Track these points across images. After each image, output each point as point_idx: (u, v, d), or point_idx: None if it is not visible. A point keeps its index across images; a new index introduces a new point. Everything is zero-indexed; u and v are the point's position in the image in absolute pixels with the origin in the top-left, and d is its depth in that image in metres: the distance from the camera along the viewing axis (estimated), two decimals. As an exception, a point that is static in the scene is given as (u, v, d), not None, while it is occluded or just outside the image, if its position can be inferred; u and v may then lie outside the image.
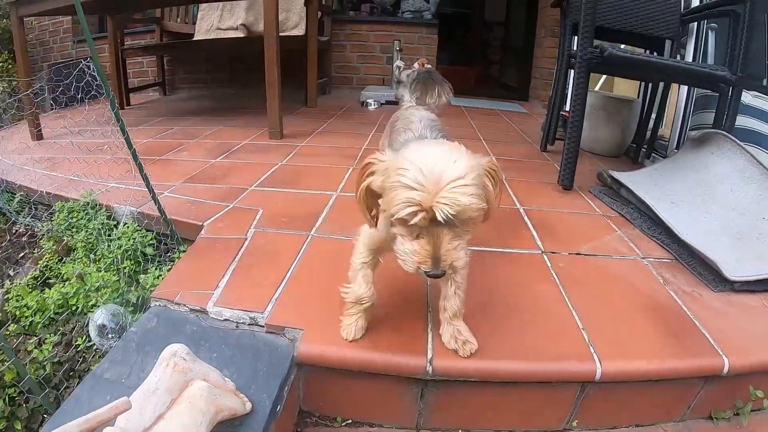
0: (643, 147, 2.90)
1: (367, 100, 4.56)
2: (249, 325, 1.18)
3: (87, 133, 3.35)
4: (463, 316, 1.13)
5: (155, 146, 2.86)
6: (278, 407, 1.00)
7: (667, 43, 2.70)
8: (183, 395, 0.85)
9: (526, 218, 1.87)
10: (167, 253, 1.82)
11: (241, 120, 3.67)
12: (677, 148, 2.63)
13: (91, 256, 1.88)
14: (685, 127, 2.69)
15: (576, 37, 2.29)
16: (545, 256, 1.58)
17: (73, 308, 1.70)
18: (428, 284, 1.35)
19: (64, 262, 1.99)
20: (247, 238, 1.58)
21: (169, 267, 1.69)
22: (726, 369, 1.15)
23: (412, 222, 0.82)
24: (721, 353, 1.17)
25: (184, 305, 1.25)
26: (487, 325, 1.20)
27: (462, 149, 0.90)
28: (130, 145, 1.66)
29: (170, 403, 0.84)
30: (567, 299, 1.35)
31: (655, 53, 2.79)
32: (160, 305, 1.28)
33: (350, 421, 1.18)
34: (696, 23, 2.64)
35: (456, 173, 0.81)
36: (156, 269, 1.73)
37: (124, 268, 1.78)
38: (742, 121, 2.31)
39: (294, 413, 1.16)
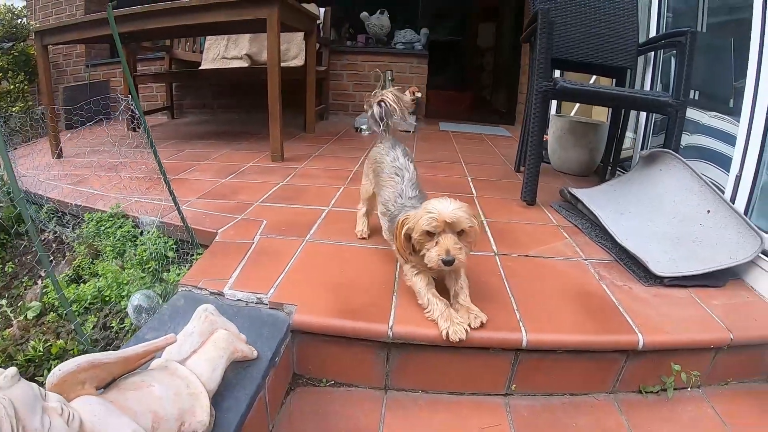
0: (609, 166, 3.12)
1: (361, 126, 4.91)
2: (256, 303, 1.53)
3: (104, 153, 3.72)
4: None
5: (168, 167, 3.12)
6: (276, 359, 1.35)
7: (629, 73, 2.93)
8: (210, 338, 1.20)
9: (487, 229, 2.19)
10: (186, 256, 2.17)
11: (246, 144, 4.06)
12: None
13: (118, 259, 2.23)
14: (645, 146, 2.99)
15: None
16: (497, 258, 1.89)
17: (106, 299, 2.05)
18: (396, 275, 1.71)
19: (94, 263, 2.34)
20: (254, 242, 1.93)
21: (189, 266, 2.02)
22: (641, 344, 1.39)
23: (431, 228, 1.34)
24: (637, 331, 1.41)
25: (205, 289, 1.60)
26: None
27: (450, 199, 1.39)
28: (160, 165, 2.01)
29: (200, 344, 1.18)
30: (508, 288, 1.64)
31: (618, 82, 3.04)
32: (185, 290, 1.62)
33: (333, 382, 1.51)
34: (653, 53, 2.95)
35: (455, 205, 1.35)
36: (177, 268, 2.07)
37: (149, 267, 2.13)
38: (699, 139, 2.56)
39: (289, 371, 1.49)
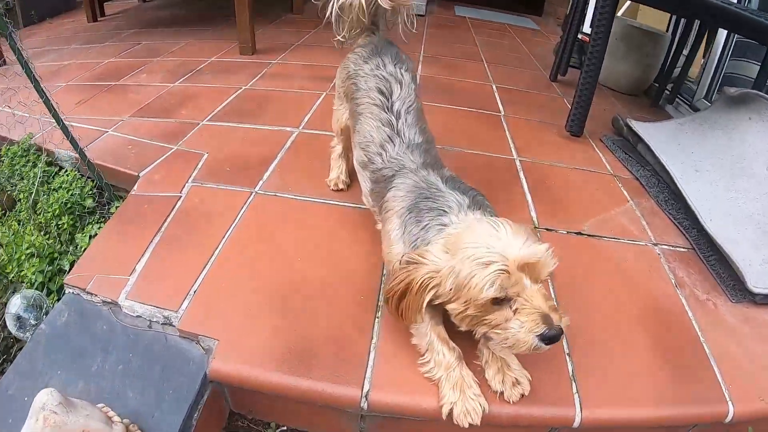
0: (666, 89, 2.56)
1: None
2: (163, 324, 1.01)
3: (52, 52, 3.05)
4: None
5: (115, 68, 2.55)
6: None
7: None
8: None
9: (521, 175, 1.59)
10: (107, 205, 1.61)
11: (214, 31, 3.30)
12: (706, 98, 2.28)
13: (33, 209, 1.69)
14: (719, 74, 2.30)
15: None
16: (538, 234, 1.33)
17: (10, 277, 1.53)
18: (384, 272, 1.13)
19: (7, 217, 1.80)
20: (181, 197, 1.35)
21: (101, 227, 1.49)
22: (730, 417, 0.97)
23: (500, 292, 0.76)
24: (727, 398, 0.98)
25: (97, 295, 1.08)
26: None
27: (507, 223, 0.82)
28: (35, 83, 1.39)
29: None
30: (554, 299, 1.12)
31: None
32: (72, 293, 1.12)
33: (285, 428, 1.02)
34: None
35: (519, 238, 0.78)
36: (94, 224, 1.54)
37: (62, 224, 1.59)
38: None
39: (221, 415, 1.02)
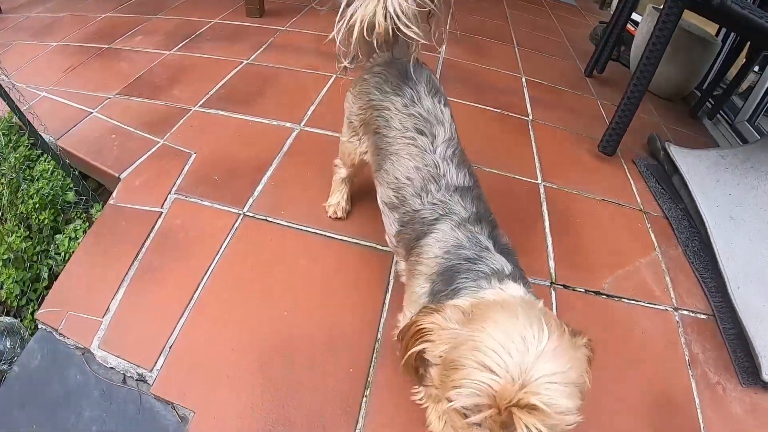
0: (708, 100, 2.34)
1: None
2: (137, 381, 0.93)
3: (50, 4, 2.85)
4: None
5: (109, 26, 2.36)
6: None
7: None
8: None
9: (544, 207, 1.43)
10: (89, 202, 1.48)
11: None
12: (750, 121, 2.07)
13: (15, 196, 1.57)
14: None
15: None
16: (553, 291, 1.19)
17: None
18: (378, 335, 1.00)
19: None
20: (162, 212, 1.23)
21: (87, 224, 1.41)
22: None
23: (473, 421, 0.60)
24: None
25: (69, 339, 1.00)
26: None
27: (546, 330, 0.63)
28: None
29: None
30: None
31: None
32: (46, 330, 1.05)
33: None
34: None
35: (548, 365, 0.59)
36: (73, 229, 1.42)
37: (43, 219, 1.47)
38: None
39: None
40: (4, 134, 1.72)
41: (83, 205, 1.49)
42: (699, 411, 1.05)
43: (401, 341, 0.72)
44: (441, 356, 0.66)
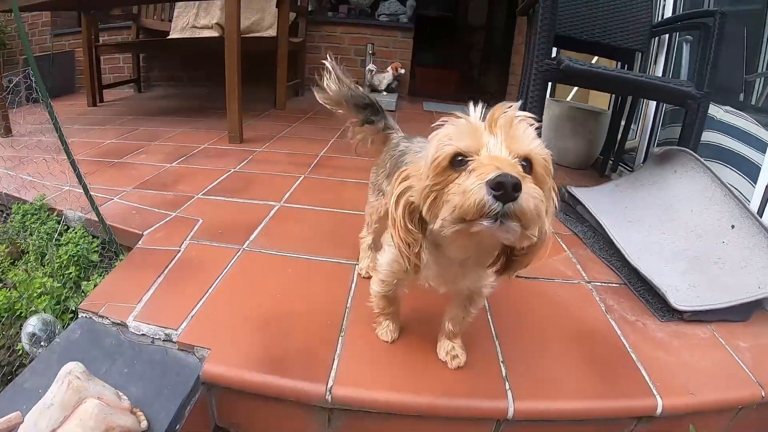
0: (610, 159, 2.82)
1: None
2: (164, 341, 1.23)
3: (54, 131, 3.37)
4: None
5: (116, 148, 2.90)
6: (177, 426, 1.05)
7: (638, 56, 2.61)
8: (76, 412, 0.91)
9: None
10: (112, 260, 1.87)
11: (207, 122, 3.71)
12: (644, 161, 2.55)
13: (39, 262, 1.93)
14: (653, 140, 2.63)
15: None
16: None
17: (19, 313, 1.75)
18: (348, 303, 1.39)
19: (16, 265, 2.04)
20: (180, 250, 1.63)
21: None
22: (659, 410, 1.11)
23: (465, 147, 0.69)
24: (655, 393, 1.12)
25: (107, 318, 1.30)
26: (399, 355, 1.22)
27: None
28: (66, 147, 1.71)
29: (63, 419, 0.90)
30: (493, 329, 1.32)
31: (625, 66, 2.71)
32: (85, 317, 1.33)
33: None
34: (668, 36, 2.59)
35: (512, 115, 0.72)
36: (98, 276, 1.77)
37: (69, 273, 1.83)
38: (712, 137, 2.25)
39: (207, 425, 1.21)
40: (34, 213, 2.12)
41: (107, 262, 1.88)
42: (624, 340, 1.30)
43: (395, 210, 0.80)
44: (427, 163, 0.73)
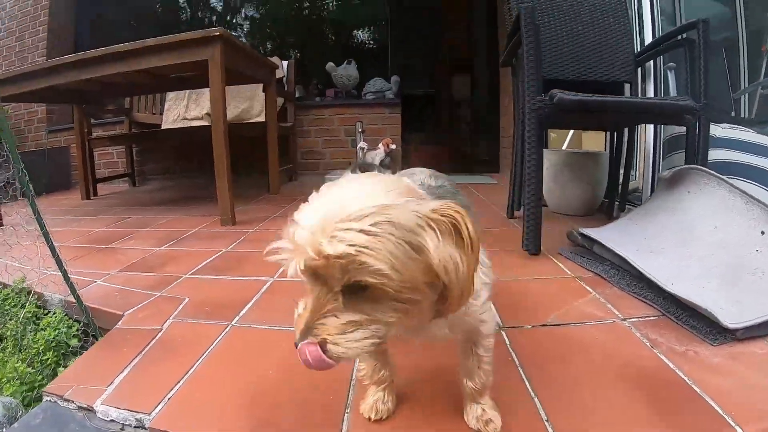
0: (616, 201, 2.73)
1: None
2: (135, 427, 1.08)
3: (46, 222, 3.31)
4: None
5: (105, 235, 2.82)
6: None
7: (627, 88, 2.58)
8: None
9: None
10: (92, 344, 1.74)
11: (199, 208, 3.66)
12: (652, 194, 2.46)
13: (18, 346, 1.80)
14: (656, 172, 2.58)
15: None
16: (503, 334, 1.37)
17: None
18: (353, 377, 1.23)
19: (-8, 350, 1.90)
20: (162, 329, 1.49)
21: None
22: None
23: (290, 271, 0.66)
24: (732, 424, 0.95)
25: (73, 402, 1.16)
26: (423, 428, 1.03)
27: (398, 184, 0.70)
28: (45, 231, 1.67)
29: None
30: (528, 385, 1.13)
31: None
32: (49, 401, 1.20)
33: None
34: (653, 63, 2.59)
35: (351, 211, 0.61)
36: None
37: (47, 359, 1.70)
38: (716, 154, 2.20)
39: None
40: (13, 297, 2.02)
41: (88, 347, 1.74)
42: (679, 372, 1.13)
43: None
44: None
